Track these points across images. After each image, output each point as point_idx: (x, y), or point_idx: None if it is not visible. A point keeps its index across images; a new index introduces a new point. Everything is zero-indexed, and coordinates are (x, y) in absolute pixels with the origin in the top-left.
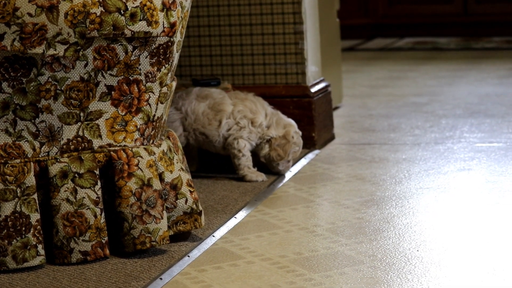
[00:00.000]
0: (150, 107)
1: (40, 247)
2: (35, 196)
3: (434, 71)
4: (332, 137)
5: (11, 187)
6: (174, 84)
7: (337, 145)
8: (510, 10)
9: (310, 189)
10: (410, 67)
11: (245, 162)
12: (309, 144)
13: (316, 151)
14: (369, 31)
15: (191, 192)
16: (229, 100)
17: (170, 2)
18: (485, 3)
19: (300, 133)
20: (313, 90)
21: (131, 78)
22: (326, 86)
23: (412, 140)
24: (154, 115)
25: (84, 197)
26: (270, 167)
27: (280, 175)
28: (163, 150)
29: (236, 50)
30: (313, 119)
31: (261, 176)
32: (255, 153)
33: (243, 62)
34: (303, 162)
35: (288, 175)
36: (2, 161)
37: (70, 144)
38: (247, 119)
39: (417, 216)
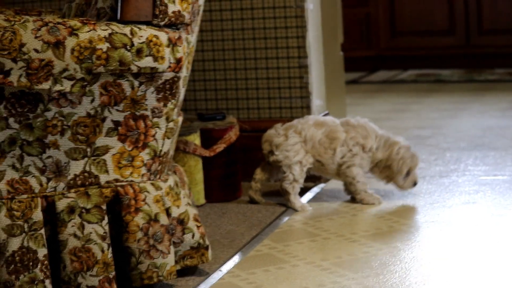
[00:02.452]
0: (157, 143)
1: (47, 282)
2: (42, 231)
3: (437, 104)
4: None
5: (19, 222)
6: (180, 119)
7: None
8: (511, 42)
9: (316, 223)
10: (413, 99)
11: (361, 187)
12: (314, 178)
13: (322, 185)
14: (372, 64)
15: (198, 226)
16: (342, 127)
17: (176, 37)
18: (487, 35)
19: (408, 146)
20: None
21: (138, 114)
22: None
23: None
24: (161, 150)
25: (91, 232)
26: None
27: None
28: (170, 185)
29: (241, 84)
30: None
31: (377, 200)
32: None
33: (248, 96)
34: (308, 196)
35: (294, 210)
36: (10, 196)
37: (77, 179)
38: (359, 145)
39: (423, 250)
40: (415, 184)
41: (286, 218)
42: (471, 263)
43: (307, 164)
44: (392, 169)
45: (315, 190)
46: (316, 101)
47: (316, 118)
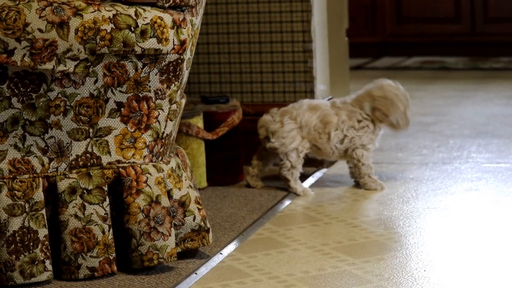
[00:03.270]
0: (160, 124)
1: (47, 262)
2: (43, 211)
3: (441, 91)
4: None
5: (20, 202)
6: (183, 101)
7: (344, 163)
8: None
9: (318, 208)
10: (418, 86)
11: (366, 170)
12: (317, 163)
13: (324, 170)
14: (377, 50)
15: (199, 209)
16: (332, 110)
17: (180, 19)
18: (493, 23)
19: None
20: None
21: (141, 95)
22: None
23: (419, 160)
24: (163, 132)
25: (92, 213)
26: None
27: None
28: (172, 167)
29: (245, 68)
30: None
31: (380, 186)
32: None
33: (252, 80)
34: (310, 180)
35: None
36: (11, 176)
37: (79, 160)
38: (351, 127)
39: (424, 236)
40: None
41: (287, 202)
42: (472, 250)
43: (303, 150)
44: (387, 107)
45: (317, 175)
46: (320, 86)
47: (310, 102)
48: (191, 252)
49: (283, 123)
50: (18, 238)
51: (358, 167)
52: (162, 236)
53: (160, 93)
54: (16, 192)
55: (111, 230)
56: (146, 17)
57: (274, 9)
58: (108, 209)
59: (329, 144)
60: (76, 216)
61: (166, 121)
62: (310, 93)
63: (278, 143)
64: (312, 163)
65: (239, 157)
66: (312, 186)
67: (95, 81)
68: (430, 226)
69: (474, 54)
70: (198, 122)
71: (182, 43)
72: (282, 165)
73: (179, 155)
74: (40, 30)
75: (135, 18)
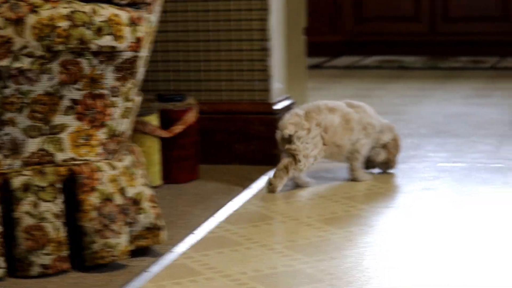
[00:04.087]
0: (114, 122)
1: (1, 259)
2: None
3: (400, 90)
4: None
5: None
6: (139, 99)
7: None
8: (477, 30)
9: (272, 206)
10: (376, 85)
11: (360, 164)
12: (273, 161)
13: None
14: (337, 49)
15: (153, 207)
16: (350, 108)
17: (136, 17)
18: (452, 22)
19: None
20: (277, 107)
21: (96, 93)
22: (291, 104)
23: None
24: (118, 130)
25: (45, 211)
26: (382, 168)
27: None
28: (126, 165)
29: (202, 66)
30: None
31: (369, 176)
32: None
33: (209, 78)
34: (265, 179)
35: (250, 192)
36: None
37: (33, 157)
38: (370, 125)
39: (379, 235)
40: None
41: (243, 201)
42: (427, 248)
43: (319, 158)
44: (395, 152)
45: (271, 173)
46: (276, 85)
47: (325, 104)
48: (144, 250)
49: (310, 129)
50: None
51: (356, 158)
52: (115, 234)
53: (115, 91)
54: None
55: (64, 228)
56: (102, 14)
57: (233, 7)
58: (61, 206)
59: (350, 139)
60: (29, 213)
61: (121, 119)
62: (267, 92)
63: (301, 147)
64: (267, 161)
65: (194, 155)
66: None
67: (51, 78)
68: (385, 225)
69: (434, 53)
70: (153, 120)
71: (138, 40)
72: (291, 163)
73: (134, 153)
74: None
75: (91, 15)
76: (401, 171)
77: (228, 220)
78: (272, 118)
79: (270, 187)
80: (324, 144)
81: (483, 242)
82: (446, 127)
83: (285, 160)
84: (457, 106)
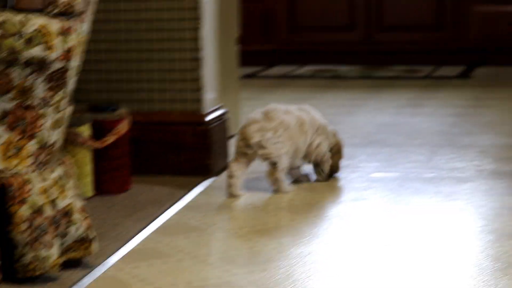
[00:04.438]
0: (45, 133)
1: None
2: None
3: (333, 100)
4: (227, 165)
5: None
6: (70, 109)
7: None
8: (412, 39)
9: (204, 218)
10: (310, 95)
11: (328, 165)
12: (205, 171)
13: (212, 179)
14: (271, 58)
15: (83, 219)
16: (299, 112)
17: (67, 27)
18: (387, 31)
19: None
20: (209, 117)
21: (27, 103)
22: (223, 114)
23: (308, 169)
24: (49, 141)
25: None
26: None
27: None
28: (57, 176)
29: (134, 76)
30: (209, 147)
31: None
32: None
33: (141, 88)
34: (197, 190)
35: (182, 203)
36: None
37: None
38: (319, 125)
39: (310, 245)
40: None
41: (174, 212)
42: (359, 259)
43: (290, 154)
44: (339, 157)
45: (204, 184)
46: (208, 95)
47: (280, 106)
48: (75, 262)
49: (275, 129)
50: None
51: (323, 161)
52: (46, 246)
53: (46, 101)
54: None
55: None
56: (33, 24)
57: (165, 17)
58: None
59: (305, 142)
60: None
61: (52, 130)
62: (198, 102)
63: (273, 148)
64: (200, 172)
65: (127, 166)
66: (198, 195)
67: None
68: (316, 236)
69: (368, 62)
70: (85, 130)
71: (69, 50)
72: (273, 170)
73: (65, 164)
74: None
75: (21, 25)
76: (333, 181)
77: (160, 231)
78: (204, 129)
79: (284, 193)
80: (288, 140)
81: (415, 252)
82: (378, 136)
83: (268, 173)
84: (391, 116)
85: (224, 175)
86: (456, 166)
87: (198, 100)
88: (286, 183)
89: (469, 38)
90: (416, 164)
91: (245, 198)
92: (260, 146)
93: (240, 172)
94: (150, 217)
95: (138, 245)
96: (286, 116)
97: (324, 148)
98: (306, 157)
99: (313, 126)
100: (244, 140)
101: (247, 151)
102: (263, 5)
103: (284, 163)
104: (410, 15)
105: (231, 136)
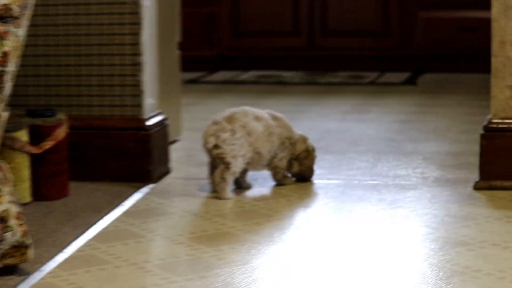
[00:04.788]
0: None
1: None
2: None
3: (276, 106)
4: (168, 171)
5: None
6: (6, 114)
7: (173, 179)
8: (357, 45)
9: (143, 224)
10: (252, 101)
11: (283, 174)
12: (144, 178)
13: (151, 185)
14: (213, 64)
15: (20, 225)
16: (273, 122)
17: (3, 31)
18: (331, 37)
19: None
20: (149, 123)
21: None
22: (164, 119)
23: (249, 177)
24: None
25: None
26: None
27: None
28: None
29: (73, 81)
30: (149, 153)
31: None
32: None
33: (80, 93)
34: (137, 196)
35: (121, 209)
36: None
37: None
38: (287, 139)
39: (250, 253)
40: None
41: (113, 218)
42: (299, 266)
43: (247, 157)
44: (310, 163)
45: (144, 190)
46: (149, 100)
47: (253, 111)
48: (12, 269)
49: (234, 130)
50: None
51: (280, 173)
52: None
53: None
54: None
55: None
56: None
57: (105, 22)
58: None
59: (270, 151)
60: None
61: None
62: (138, 107)
63: (228, 149)
64: (139, 178)
65: (65, 172)
66: (138, 201)
67: None
68: (256, 243)
69: (313, 68)
70: (23, 135)
71: (5, 55)
72: (227, 168)
73: (1, 170)
74: None
75: None
76: (274, 188)
77: (98, 238)
78: (144, 134)
79: (221, 199)
80: (249, 145)
81: (357, 260)
82: (322, 143)
83: (217, 171)
84: (334, 122)
85: (163, 182)
86: (400, 173)
87: (138, 106)
88: (229, 188)
89: (415, 44)
90: (359, 171)
91: (185, 205)
92: (215, 147)
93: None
94: (88, 223)
95: (75, 251)
96: (253, 122)
97: (284, 163)
98: (266, 166)
99: (280, 139)
100: (203, 146)
101: (209, 155)
102: (206, 9)
103: (237, 166)
104: (355, 20)
105: (172, 142)
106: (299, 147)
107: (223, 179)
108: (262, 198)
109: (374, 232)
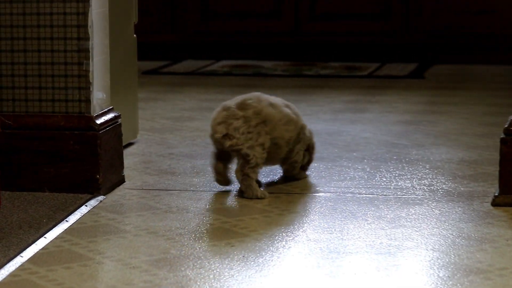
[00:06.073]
0: None
1: None
2: None
3: None
4: (121, 181)
5: None
6: None
7: (126, 190)
8: (353, 30)
9: (90, 244)
10: (225, 96)
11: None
12: (92, 188)
13: (100, 197)
14: (178, 51)
15: None
16: (288, 109)
17: None
18: (321, 20)
19: None
20: (99, 121)
21: None
22: (116, 117)
23: (219, 186)
24: None
25: None
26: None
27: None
28: None
29: (5, 70)
30: (98, 158)
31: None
32: None
33: (13, 85)
34: (83, 210)
35: (64, 226)
36: None
37: None
38: (301, 128)
39: (219, 280)
40: None
41: (52, 237)
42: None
43: (268, 146)
44: (313, 154)
45: (91, 203)
46: (98, 94)
47: (266, 97)
48: None
49: (246, 117)
50: None
51: (295, 167)
52: None
53: None
54: None
55: None
56: None
57: None
58: None
59: (288, 143)
60: None
61: None
62: (85, 103)
63: (243, 138)
64: (86, 188)
65: None
66: (84, 216)
67: None
68: (227, 269)
69: (298, 58)
70: None
71: None
72: (244, 164)
73: None
74: None
75: None
76: (248, 202)
77: (35, 261)
78: (91, 135)
79: (250, 198)
80: (266, 133)
81: None
82: None
83: (237, 168)
84: (324, 123)
85: (115, 193)
86: (403, 185)
87: (85, 101)
88: (256, 185)
89: (422, 29)
90: (353, 183)
91: (141, 221)
92: (226, 137)
93: (224, 165)
94: (22, 243)
95: (7, 276)
96: (269, 108)
97: (301, 156)
98: (283, 160)
99: (297, 128)
100: (211, 136)
101: (218, 147)
102: None
103: (257, 157)
104: (350, 1)
105: (126, 145)
106: (310, 137)
107: (246, 175)
108: (234, 214)
109: (370, 257)
